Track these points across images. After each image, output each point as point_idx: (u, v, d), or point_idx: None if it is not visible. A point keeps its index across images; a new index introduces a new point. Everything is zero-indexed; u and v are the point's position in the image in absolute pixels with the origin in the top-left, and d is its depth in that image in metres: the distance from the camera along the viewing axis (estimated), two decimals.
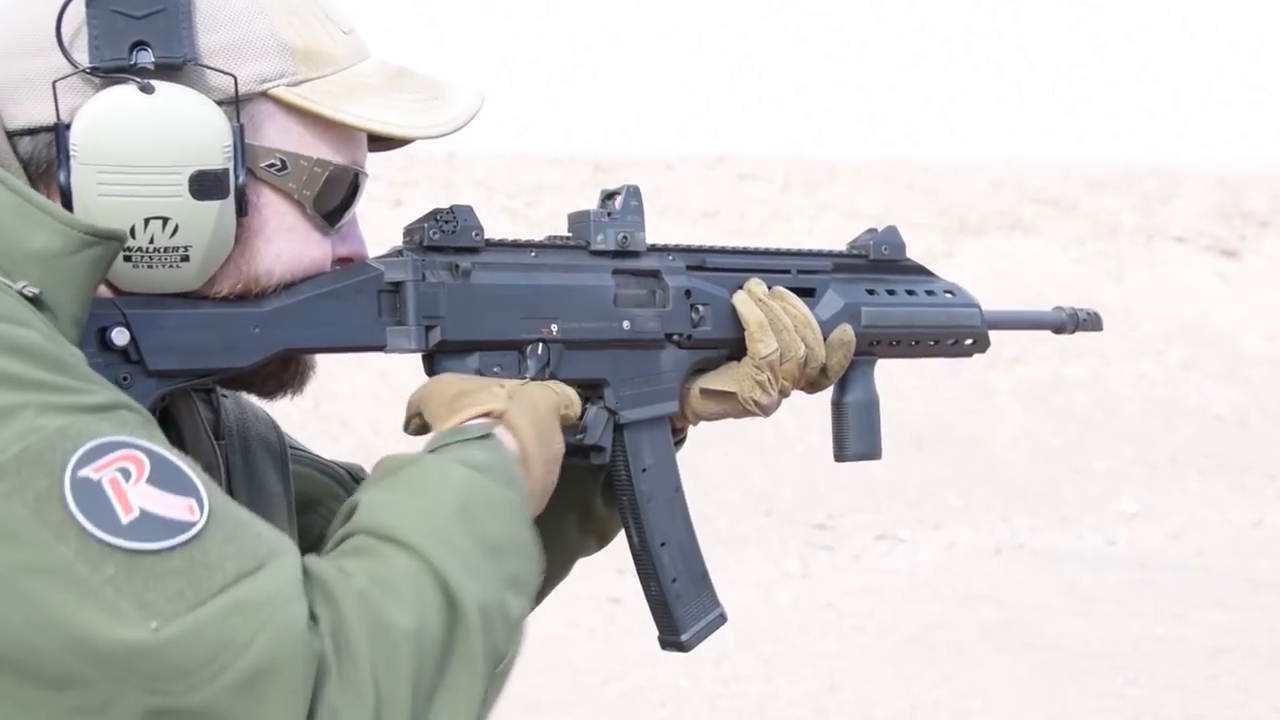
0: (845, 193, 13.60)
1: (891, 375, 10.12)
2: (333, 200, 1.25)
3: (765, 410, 1.53)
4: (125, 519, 0.95)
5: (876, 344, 1.65)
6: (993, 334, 1.78)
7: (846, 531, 8.82)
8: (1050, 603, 7.21)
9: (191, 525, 0.97)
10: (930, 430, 10.79)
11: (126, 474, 0.97)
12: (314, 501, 1.50)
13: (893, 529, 8.89)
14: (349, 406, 9.12)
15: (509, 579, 1.12)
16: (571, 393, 1.36)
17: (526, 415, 1.27)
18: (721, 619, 1.55)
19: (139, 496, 0.97)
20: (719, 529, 8.49)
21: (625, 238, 1.47)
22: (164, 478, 0.98)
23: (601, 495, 1.57)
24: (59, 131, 1.14)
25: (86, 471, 0.96)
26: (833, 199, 13.53)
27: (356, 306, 1.28)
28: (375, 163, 1.37)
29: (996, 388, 11.67)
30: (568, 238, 1.47)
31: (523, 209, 12.23)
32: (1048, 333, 1.91)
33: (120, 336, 1.16)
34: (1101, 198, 14.63)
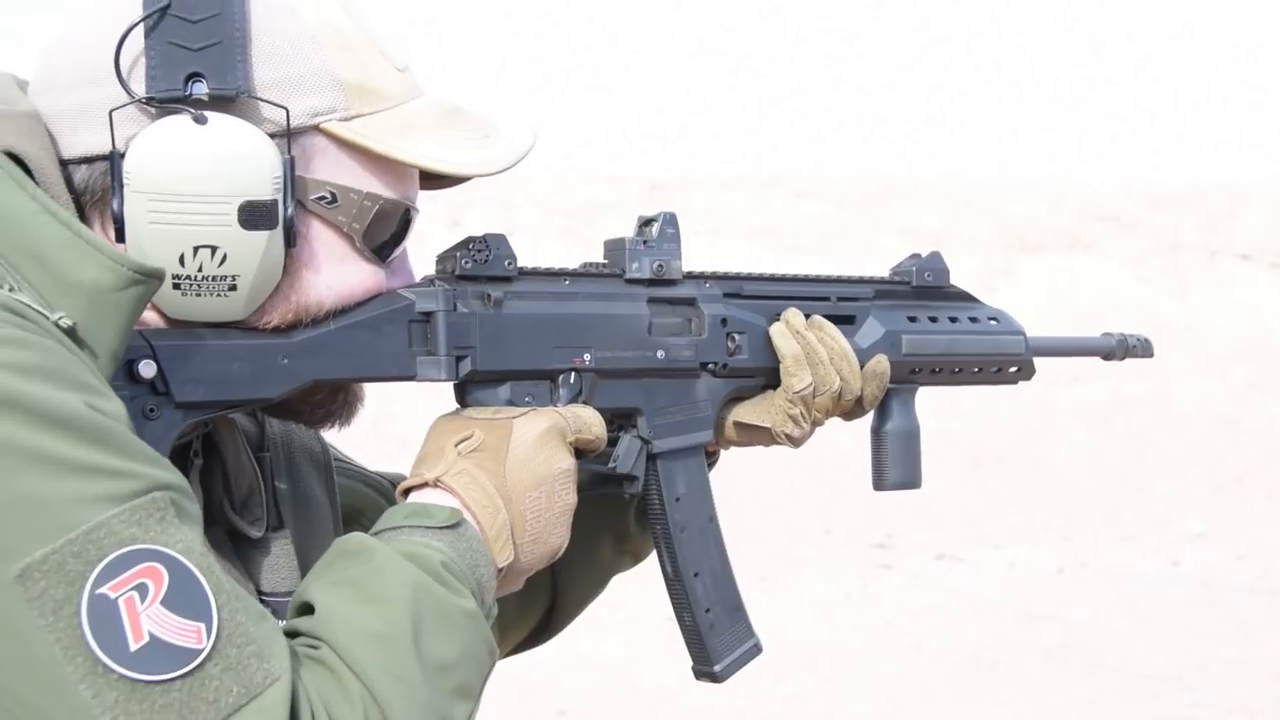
0: (903, 211, 13.55)
1: (951, 394, 10.03)
2: (383, 234, 1.26)
3: (796, 442, 1.53)
4: (134, 646, 0.97)
5: (917, 372, 1.63)
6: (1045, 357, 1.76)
7: (906, 551, 8.75)
8: (1114, 623, 7.12)
9: (196, 654, 0.99)
10: (990, 449, 10.70)
11: (144, 592, 0.99)
12: (358, 513, 1.51)
13: (952, 549, 8.82)
14: (408, 427, 9.17)
15: (455, 691, 1.13)
16: (588, 414, 1.35)
17: (472, 476, 1.25)
18: (756, 649, 1.54)
19: (150, 621, 0.98)
20: (777, 548, 8.45)
21: (661, 265, 1.46)
22: (179, 597, 1.00)
23: (635, 517, 1.56)
24: (114, 160, 1.15)
25: (105, 589, 0.97)
26: (891, 217, 13.49)
27: (386, 337, 1.27)
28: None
29: (1057, 406, 11.56)
30: (603, 265, 1.46)
31: (579, 228, 12.27)
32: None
33: (148, 369, 1.16)
34: (1164, 214, 14.48)
